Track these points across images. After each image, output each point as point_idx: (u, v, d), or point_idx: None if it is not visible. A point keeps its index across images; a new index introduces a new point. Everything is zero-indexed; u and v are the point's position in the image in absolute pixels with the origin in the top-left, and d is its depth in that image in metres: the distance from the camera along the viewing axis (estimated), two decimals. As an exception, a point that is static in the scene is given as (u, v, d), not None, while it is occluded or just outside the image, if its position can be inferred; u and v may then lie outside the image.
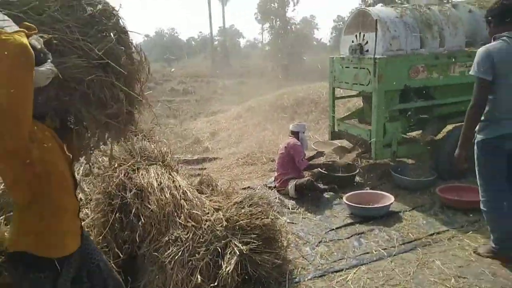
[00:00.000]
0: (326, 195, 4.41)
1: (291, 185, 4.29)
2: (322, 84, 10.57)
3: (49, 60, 1.30)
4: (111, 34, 1.55)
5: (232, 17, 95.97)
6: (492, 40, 2.64)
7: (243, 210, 2.79)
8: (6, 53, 1.13)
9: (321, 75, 12.94)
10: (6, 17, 1.26)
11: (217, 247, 2.52)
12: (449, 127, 4.77)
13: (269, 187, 4.75)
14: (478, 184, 2.80)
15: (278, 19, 28.07)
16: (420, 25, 4.40)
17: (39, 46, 1.26)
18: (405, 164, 5.02)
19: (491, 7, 2.68)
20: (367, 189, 4.40)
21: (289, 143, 4.50)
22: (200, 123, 12.08)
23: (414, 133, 5.13)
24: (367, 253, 3.12)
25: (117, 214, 2.61)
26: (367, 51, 4.50)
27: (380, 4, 5.16)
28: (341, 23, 32.93)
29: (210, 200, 3.00)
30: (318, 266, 2.98)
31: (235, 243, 2.52)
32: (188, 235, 2.53)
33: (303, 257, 3.11)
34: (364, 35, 4.61)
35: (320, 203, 4.23)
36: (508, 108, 2.57)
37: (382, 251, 3.12)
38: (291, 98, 10.54)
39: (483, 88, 2.57)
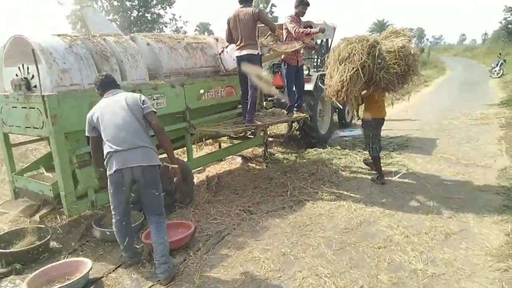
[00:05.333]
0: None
1: None
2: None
3: None
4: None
5: None
6: None
7: None
8: None
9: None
10: None
11: None
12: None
13: None
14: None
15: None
16: (95, 56, 3.95)
17: None
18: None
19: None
20: (56, 261, 3.49)
21: None
22: None
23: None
24: None
25: None
26: (35, 86, 3.64)
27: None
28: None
29: None
30: None
31: None
32: None
33: None
34: (28, 68, 3.72)
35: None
36: (115, 150, 2.96)
37: None
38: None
39: (92, 143, 3.17)
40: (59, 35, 3.88)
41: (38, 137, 4.35)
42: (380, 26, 51.53)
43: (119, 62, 4.15)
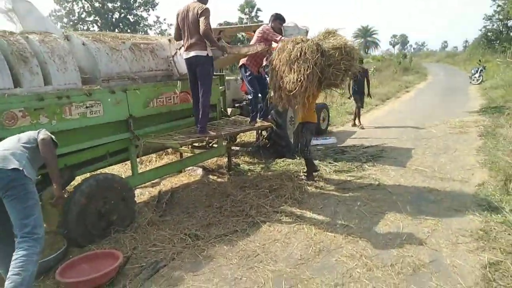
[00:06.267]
0: None
1: None
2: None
3: None
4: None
5: None
6: None
7: None
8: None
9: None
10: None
11: None
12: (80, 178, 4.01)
13: None
14: None
15: None
16: (11, 57, 3.36)
17: None
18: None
19: None
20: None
21: None
22: None
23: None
24: None
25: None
26: None
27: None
28: None
29: None
30: None
31: None
32: None
33: None
34: None
35: None
36: None
37: None
38: None
39: None
40: (-36, 32, 3.29)
41: None
42: (364, 32, 51.75)
43: (42, 64, 3.56)
